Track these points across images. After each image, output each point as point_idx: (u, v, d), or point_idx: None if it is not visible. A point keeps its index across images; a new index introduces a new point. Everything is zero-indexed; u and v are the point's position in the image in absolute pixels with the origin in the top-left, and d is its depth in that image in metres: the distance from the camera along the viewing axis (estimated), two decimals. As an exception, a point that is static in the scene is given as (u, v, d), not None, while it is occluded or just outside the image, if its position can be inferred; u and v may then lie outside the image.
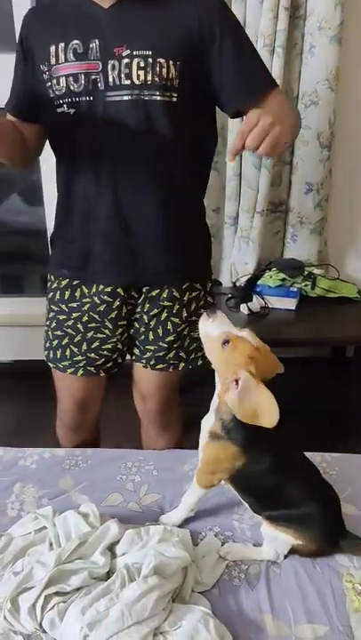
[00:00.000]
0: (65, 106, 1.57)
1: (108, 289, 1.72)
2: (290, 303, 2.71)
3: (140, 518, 1.48)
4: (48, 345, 1.85)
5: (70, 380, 1.85)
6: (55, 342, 1.82)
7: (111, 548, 1.34)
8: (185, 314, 1.74)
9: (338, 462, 1.67)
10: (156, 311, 1.74)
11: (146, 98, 1.53)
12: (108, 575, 1.27)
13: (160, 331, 1.76)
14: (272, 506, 1.39)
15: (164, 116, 1.55)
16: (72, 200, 1.70)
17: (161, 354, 1.78)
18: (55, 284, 1.80)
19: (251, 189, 2.75)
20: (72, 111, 1.57)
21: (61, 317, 1.79)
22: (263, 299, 2.70)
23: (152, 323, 1.76)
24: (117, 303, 1.73)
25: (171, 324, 1.74)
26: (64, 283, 1.77)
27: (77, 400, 1.90)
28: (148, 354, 1.80)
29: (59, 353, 1.82)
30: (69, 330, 1.79)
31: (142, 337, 1.79)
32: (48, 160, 1.77)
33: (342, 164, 2.89)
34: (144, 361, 1.82)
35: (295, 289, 2.77)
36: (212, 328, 1.33)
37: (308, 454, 1.67)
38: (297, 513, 1.36)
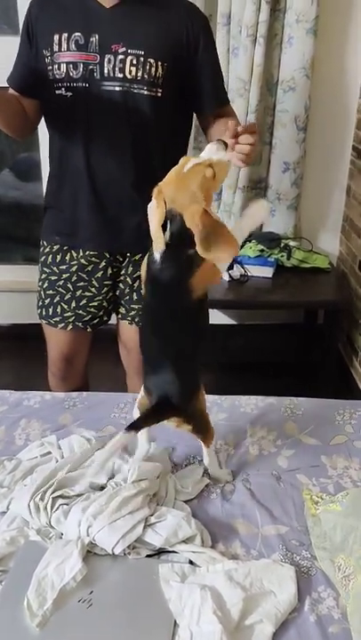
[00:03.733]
0: (63, 89, 1.73)
1: (95, 252, 1.90)
2: (267, 272, 2.87)
3: (132, 444, 1.62)
4: (41, 303, 2.03)
5: (60, 334, 2.03)
6: (47, 300, 2.00)
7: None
8: None
9: (303, 404, 1.86)
10: (138, 274, 1.90)
11: (135, 91, 1.71)
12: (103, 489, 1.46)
13: (143, 291, 1.96)
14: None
15: (149, 107, 1.74)
16: (63, 173, 1.86)
17: None
18: (48, 249, 1.97)
19: (233, 167, 2.90)
20: (69, 94, 1.73)
21: (53, 278, 1.96)
22: (243, 267, 2.86)
23: (135, 284, 1.94)
24: (103, 264, 1.91)
25: None
26: (55, 247, 1.94)
27: (65, 352, 2.08)
28: (133, 312, 1.99)
29: (50, 310, 2.00)
30: (60, 289, 1.96)
31: (127, 297, 1.98)
32: (47, 140, 1.90)
33: (316, 145, 3.03)
34: (129, 318, 2.01)
35: (272, 259, 2.92)
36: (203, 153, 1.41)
37: (279, 398, 1.85)
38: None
